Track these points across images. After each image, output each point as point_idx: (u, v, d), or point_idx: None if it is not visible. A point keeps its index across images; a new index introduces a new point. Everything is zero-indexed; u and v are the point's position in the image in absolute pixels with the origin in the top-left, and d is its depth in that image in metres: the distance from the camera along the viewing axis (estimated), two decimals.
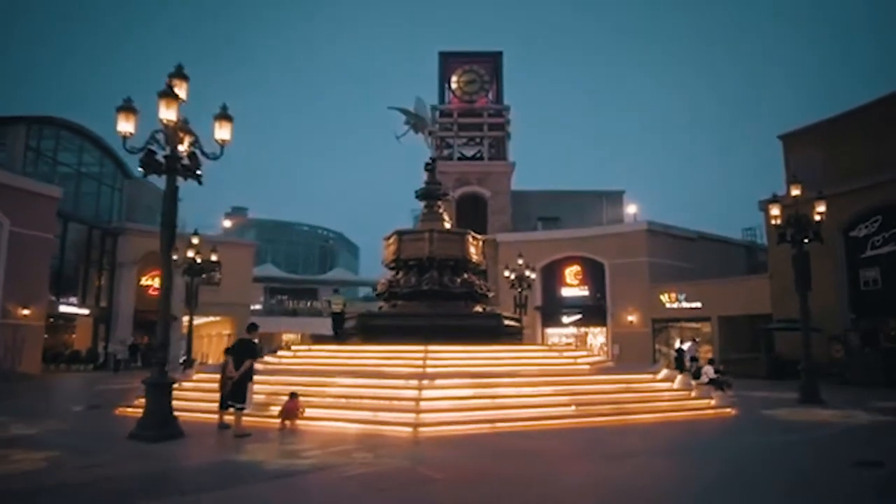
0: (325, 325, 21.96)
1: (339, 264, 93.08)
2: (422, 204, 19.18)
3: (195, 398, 12.41)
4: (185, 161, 9.91)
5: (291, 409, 10.49)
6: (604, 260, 34.49)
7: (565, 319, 35.60)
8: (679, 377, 15.80)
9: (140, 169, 9.64)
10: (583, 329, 35.88)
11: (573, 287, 35.77)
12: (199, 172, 10.03)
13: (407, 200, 19.28)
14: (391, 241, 18.16)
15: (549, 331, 35.87)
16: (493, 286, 34.75)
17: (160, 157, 9.84)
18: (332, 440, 9.35)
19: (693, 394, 13.50)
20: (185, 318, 33.40)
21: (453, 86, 42.32)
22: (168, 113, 9.53)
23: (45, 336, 30.42)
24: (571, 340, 35.23)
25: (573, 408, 11.35)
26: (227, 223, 44.97)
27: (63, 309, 32.39)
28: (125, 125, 9.76)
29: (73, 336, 34.47)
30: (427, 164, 19.31)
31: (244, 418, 10.14)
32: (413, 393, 10.88)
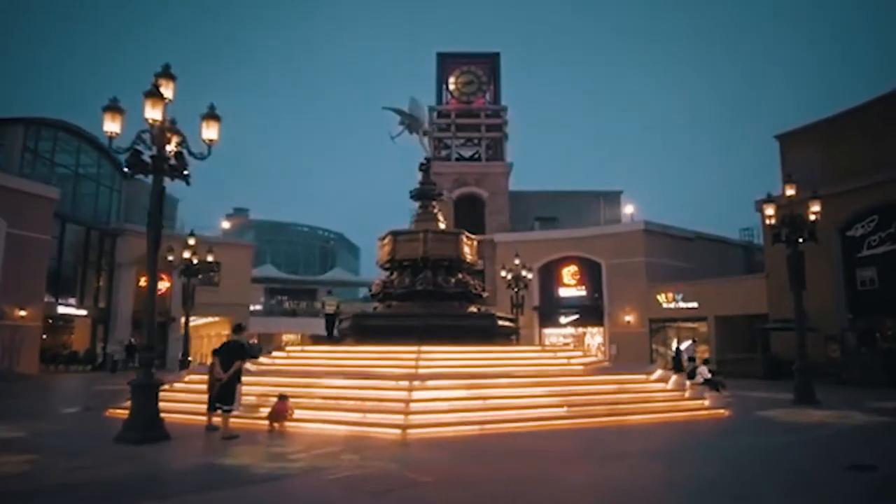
0: (323, 326, 21.97)
1: (340, 265, 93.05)
2: (417, 204, 19.11)
3: (186, 399, 12.36)
4: (172, 161, 9.84)
5: (280, 411, 10.44)
6: (601, 260, 34.42)
7: (563, 320, 35.51)
8: (674, 378, 15.74)
9: (125, 169, 9.57)
10: (580, 329, 35.79)
11: (571, 287, 35.68)
12: (186, 172, 9.96)
13: (407, 201, 19.23)
14: (385, 241, 18.11)
15: (547, 331, 35.80)
16: (491, 286, 34.85)
17: (147, 157, 9.79)
18: (319, 442, 9.29)
19: (687, 394, 13.44)
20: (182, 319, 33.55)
21: (451, 87, 42.26)
22: (154, 112, 9.47)
23: (44, 337, 30.43)
24: (569, 341, 35.17)
25: (565, 409, 11.29)
26: (226, 224, 44.95)
27: (61, 310, 32.36)
28: (111, 125, 9.72)
29: (72, 337, 34.44)
30: (421, 165, 19.27)
31: (232, 420, 10.10)
32: (403, 394, 10.81)
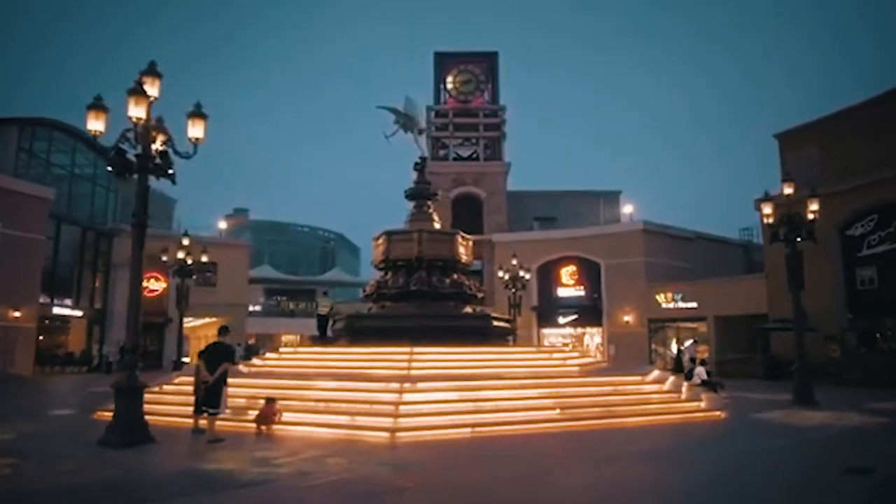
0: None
1: (340, 265, 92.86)
2: (412, 204, 18.94)
3: (174, 402, 12.21)
4: (157, 160, 9.67)
5: (267, 415, 10.26)
6: (600, 260, 34.22)
7: (561, 320, 35.32)
8: (671, 379, 15.56)
9: (108, 169, 9.41)
10: (579, 330, 35.59)
11: (569, 287, 35.48)
12: (171, 171, 9.79)
13: (406, 201, 19.01)
14: (380, 241, 17.96)
15: (546, 331, 35.61)
16: (489, 287, 34.73)
17: (132, 156, 9.63)
18: (306, 446, 9.12)
19: (683, 396, 13.27)
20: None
21: (449, 86, 42.08)
22: (137, 111, 9.31)
23: (41, 338, 30.30)
24: (568, 341, 35.00)
25: (558, 411, 11.10)
26: (224, 224, 44.78)
27: (57, 311, 32.22)
28: (95, 123, 9.55)
29: (68, 338, 34.29)
30: (416, 164, 19.10)
31: (219, 423, 9.94)
32: (393, 396, 10.65)
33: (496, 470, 7.79)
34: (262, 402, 10.66)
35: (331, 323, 17.86)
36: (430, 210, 18.58)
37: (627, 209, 39.19)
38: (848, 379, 21.25)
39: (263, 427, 10.22)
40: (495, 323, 16.63)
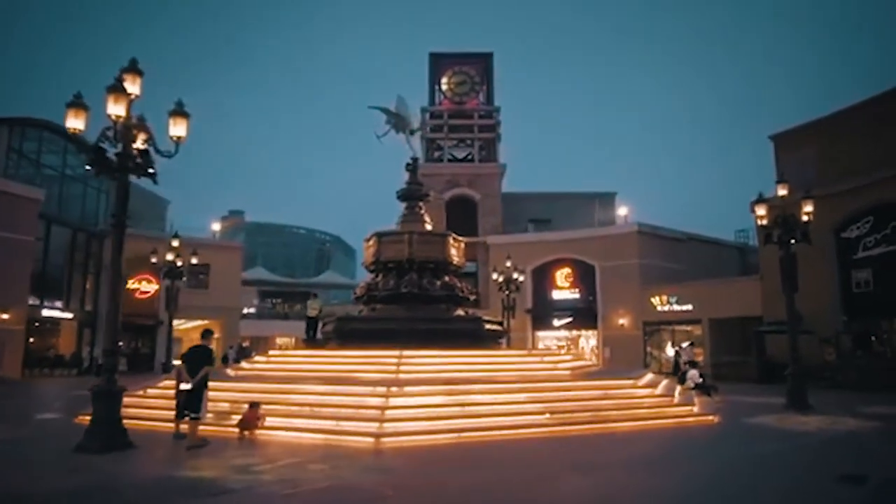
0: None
1: (336, 267, 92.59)
2: (403, 205, 18.73)
3: (158, 406, 12.00)
4: (138, 159, 9.46)
5: (250, 419, 10.04)
6: (594, 262, 34.05)
7: (556, 322, 35.13)
8: (664, 382, 15.39)
9: (87, 168, 9.20)
10: (574, 332, 35.41)
11: (564, 289, 35.31)
12: (152, 171, 9.58)
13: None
14: (371, 242, 17.75)
15: (541, 334, 35.43)
16: (484, 289, 34.56)
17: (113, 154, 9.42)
18: (288, 452, 8.91)
19: (675, 400, 13.08)
20: (174, 322, 33.14)
21: (444, 87, 41.93)
22: (117, 108, 9.09)
23: (30, 340, 29.99)
24: (563, 343, 34.80)
25: (547, 416, 10.91)
26: (217, 226, 44.47)
27: (47, 313, 31.87)
28: (75, 122, 9.35)
29: (58, 340, 33.94)
30: (408, 165, 18.90)
31: (203, 428, 9.72)
32: (379, 401, 10.44)
33: (480, 477, 7.60)
34: (246, 406, 10.46)
35: (321, 325, 17.66)
36: (422, 211, 18.36)
37: (622, 211, 39.05)
38: (843, 382, 21.10)
39: (246, 432, 10.00)
40: (487, 326, 16.42)
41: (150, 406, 12.25)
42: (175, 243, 22.19)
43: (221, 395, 11.42)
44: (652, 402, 12.55)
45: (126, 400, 12.37)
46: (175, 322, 33.42)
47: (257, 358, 16.73)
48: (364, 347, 14.48)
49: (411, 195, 18.55)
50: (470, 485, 7.20)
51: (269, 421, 10.28)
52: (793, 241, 15.33)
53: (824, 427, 11.82)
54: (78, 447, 8.77)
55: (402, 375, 12.12)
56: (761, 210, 15.76)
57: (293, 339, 40.01)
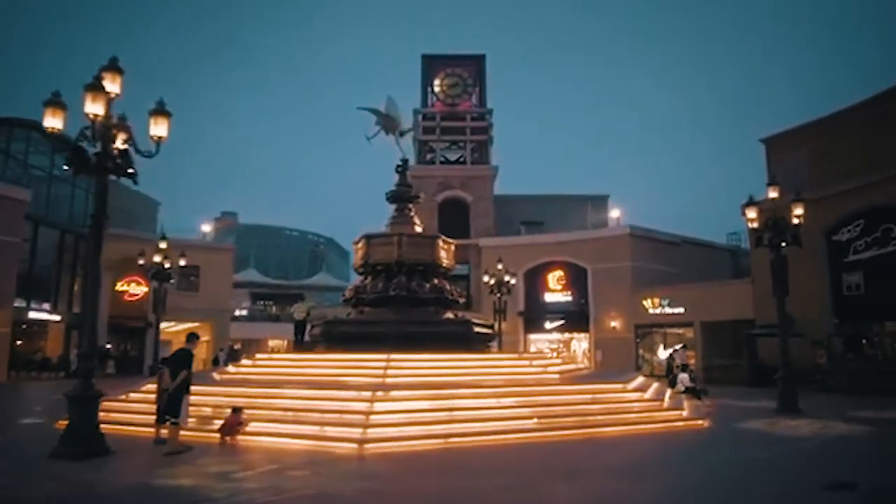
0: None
1: (329, 269, 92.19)
2: (393, 207, 18.59)
3: (141, 410, 11.78)
4: (118, 159, 9.28)
5: (232, 424, 9.86)
6: (587, 265, 33.95)
7: (548, 325, 35.00)
8: (654, 385, 15.29)
9: (65, 167, 9.01)
10: (566, 335, 35.29)
11: (556, 292, 35.18)
12: (131, 171, 9.39)
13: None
14: (360, 244, 17.60)
15: (533, 337, 35.30)
16: (476, 292, 34.43)
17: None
18: (269, 458, 8.74)
19: (665, 404, 12.96)
20: (163, 325, 32.87)
21: (436, 89, 41.79)
22: (94, 107, 8.90)
23: (17, 343, 29.62)
24: (555, 346, 34.69)
25: (535, 421, 10.77)
26: (208, 227, 44.16)
27: (34, 315, 31.49)
28: (52, 121, 9.15)
29: (46, 343, 33.56)
30: (398, 166, 18.77)
31: (184, 433, 9.52)
32: (364, 406, 10.28)
33: (463, 484, 7.44)
34: (229, 411, 10.28)
35: (309, 328, 17.48)
36: (412, 213, 18.23)
37: (615, 213, 39.01)
38: (834, 385, 21.04)
39: (228, 438, 9.82)
40: (476, 329, 16.29)
41: (132, 411, 12.04)
42: (162, 245, 21.95)
43: (204, 399, 11.25)
44: (641, 407, 12.43)
45: (108, 404, 12.29)
46: (164, 324, 33.18)
47: (244, 362, 16.55)
48: (352, 351, 14.36)
49: (401, 197, 18.42)
50: (452, 492, 7.05)
51: (252, 426, 10.10)
52: (783, 244, 15.26)
53: (815, 432, 11.72)
54: (53, 453, 8.57)
55: (388, 380, 11.96)
56: (752, 213, 15.70)
57: (285, 342, 39.73)
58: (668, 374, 23.00)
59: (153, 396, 12.17)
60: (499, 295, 27.07)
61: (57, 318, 32.88)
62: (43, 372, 30.70)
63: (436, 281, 17.10)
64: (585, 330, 34.16)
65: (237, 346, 40.29)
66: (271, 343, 44.19)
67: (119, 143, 9.34)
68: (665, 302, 31.51)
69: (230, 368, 15.68)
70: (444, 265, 17.48)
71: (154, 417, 10.31)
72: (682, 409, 12.96)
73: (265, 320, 50.88)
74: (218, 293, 37.97)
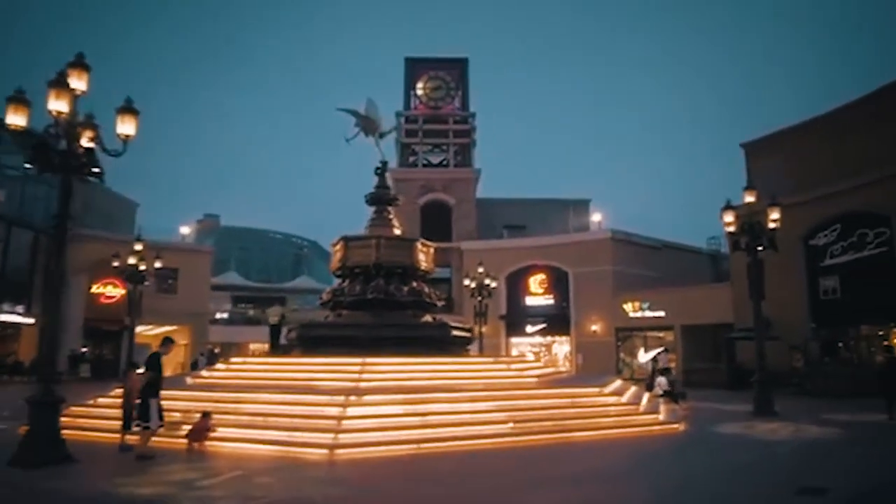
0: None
1: (313, 273, 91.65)
2: (372, 209, 18.42)
3: (108, 415, 11.47)
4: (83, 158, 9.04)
5: (200, 430, 9.63)
6: (568, 268, 33.99)
7: (530, 329, 34.97)
8: (632, 389, 15.27)
9: (26, 165, 8.76)
10: (548, 338, 35.28)
11: (538, 296, 35.17)
12: (96, 170, 9.16)
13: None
14: (338, 247, 17.41)
15: (514, 340, 35.23)
16: (458, 295, 34.29)
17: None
18: (237, 464, 8.55)
19: (641, 408, 12.92)
20: (141, 328, 32.33)
21: (419, 92, 41.72)
22: (58, 104, 8.66)
23: None
24: (537, 350, 34.66)
25: (510, 425, 10.66)
26: (187, 230, 43.60)
27: (6, 317, 30.87)
28: (15, 118, 8.89)
29: (19, 346, 32.87)
30: (377, 168, 18.62)
31: (152, 438, 9.28)
32: (336, 410, 10.10)
33: (431, 491, 7.33)
34: (199, 416, 10.06)
35: (286, 332, 17.25)
36: (390, 216, 18.08)
37: (596, 217, 39.15)
38: (811, 389, 21.19)
39: (196, 443, 9.59)
40: (454, 332, 16.15)
41: (99, 416, 11.74)
42: (137, 247, 21.57)
43: (175, 404, 10.98)
44: (618, 411, 12.37)
45: (75, 409, 12.04)
46: (142, 328, 32.68)
47: (218, 366, 16.27)
48: (329, 355, 14.18)
49: (380, 199, 18.27)
50: (422, 500, 6.92)
51: (221, 432, 9.89)
52: (759, 248, 15.33)
53: (789, 435, 11.74)
54: (12, 461, 8.29)
55: (363, 384, 11.79)
56: (728, 217, 15.76)
57: (267, 346, 39.31)
58: (651, 378, 23.01)
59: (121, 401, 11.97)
60: (480, 298, 26.96)
61: (31, 320, 32.22)
62: (15, 375, 30.05)
63: (414, 284, 16.95)
64: (567, 333, 34.18)
65: (217, 350, 39.74)
66: (252, 346, 43.71)
67: (85, 142, 9.12)
68: (645, 305, 31.63)
69: (203, 372, 15.40)
70: (423, 268, 17.34)
71: (120, 423, 10.07)
72: (659, 413, 12.92)
73: (245, 324, 50.35)
74: (197, 296, 37.45)
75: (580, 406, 12.23)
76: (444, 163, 41.68)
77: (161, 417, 9.37)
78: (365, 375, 12.31)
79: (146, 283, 22.74)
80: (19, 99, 9.01)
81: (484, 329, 27.95)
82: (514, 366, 15.26)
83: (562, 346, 34.88)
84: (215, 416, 10.07)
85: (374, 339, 14.67)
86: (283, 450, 9.21)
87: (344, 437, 9.36)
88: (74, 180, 9.42)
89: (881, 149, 22.69)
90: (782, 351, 23.50)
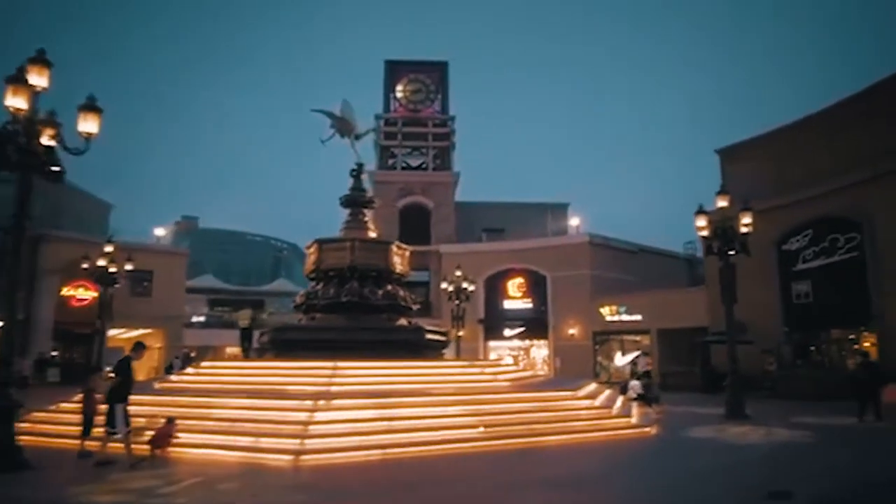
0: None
1: (294, 276, 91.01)
2: (346, 211, 18.27)
3: (70, 421, 11.18)
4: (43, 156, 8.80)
5: (163, 436, 9.40)
6: (546, 272, 34.07)
7: (508, 332, 34.97)
8: (606, 393, 15.29)
9: None
10: (526, 342, 35.31)
11: (516, 299, 35.20)
12: (56, 168, 8.93)
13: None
14: (312, 249, 17.25)
15: (493, 343, 35.19)
16: (436, 298, 34.16)
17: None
18: (200, 471, 8.35)
19: (613, 412, 12.92)
20: (115, 331, 31.75)
21: (399, 94, 41.61)
22: (15, 101, 8.43)
23: None
24: (515, 353, 34.65)
25: (481, 430, 10.58)
26: (162, 231, 42.93)
27: None
28: None
29: None
30: (352, 170, 18.49)
31: (111, 445, 9.04)
32: (304, 415, 9.93)
33: (398, 497, 7.21)
34: (163, 421, 9.82)
35: (257, 335, 17.01)
36: (366, 218, 17.96)
37: (575, 221, 39.33)
38: (784, 392, 21.39)
39: (158, 450, 9.35)
40: (429, 336, 16.05)
41: (61, 422, 11.42)
42: (108, 248, 21.17)
43: (140, 409, 10.71)
44: (590, 415, 12.35)
45: (37, 415, 11.74)
46: (116, 331, 32.12)
47: (188, 370, 15.98)
48: (301, 358, 14.00)
49: (355, 201, 18.15)
50: None
51: (186, 438, 9.64)
52: (732, 252, 15.45)
53: (758, 439, 11.79)
54: None
55: (334, 388, 11.65)
56: (701, 221, 15.86)
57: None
58: (629, 381, 23.08)
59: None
60: (457, 302, 26.88)
61: None
62: None
63: (389, 287, 16.84)
64: (545, 337, 34.24)
65: (193, 354, 39.20)
66: (228, 350, 43.19)
67: (45, 140, 8.88)
68: (623, 309, 31.80)
69: (172, 377, 15.13)
70: (399, 271, 17.23)
71: (80, 429, 9.82)
72: (631, 416, 12.93)
73: (222, 327, 49.72)
74: (171, 299, 36.86)
75: (552, 410, 12.18)
76: (424, 166, 41.60)
77: (128, 423, 9.15)
78: (336, 380, 12.17)
79: (117, 285, 22.32)
80: None
81: (462, 333, 27.91)
82: (488, 369, 15.18)
83: (540, 350, 34.92)
84: (182, 421, 9.84)
85: (348, 343, 14.53)
86: (249, 456, 9.03)
87: (311, 443, 9.20)
88: (44, 181, 9.20)
89: (852, 155, 23.05)
90: (756, 355, 23.75)
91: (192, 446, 9.47)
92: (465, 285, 26.90)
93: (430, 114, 41.74)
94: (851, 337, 23.70)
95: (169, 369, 28.97)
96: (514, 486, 7.80)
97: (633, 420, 12.66)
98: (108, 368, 23.59)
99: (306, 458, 8.82)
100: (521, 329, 34.76)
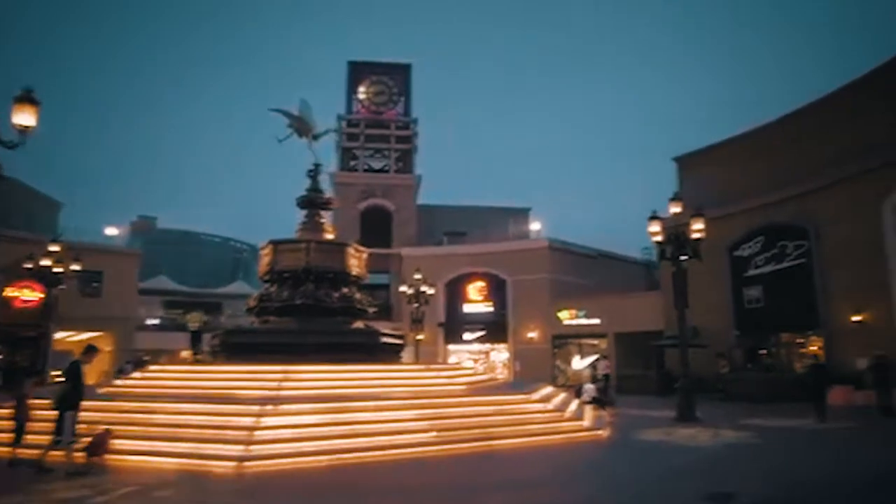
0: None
1: (253, 278, 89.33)
2: (303, 212, 17.98)
3: (5, 427, 10.67)
4: None
5: (98, 443, 9.03)
6: (506, 276, 34.19)
7: (468, 336, 34.96)
8: (561, 396, 15.35)
9: None
10: (486, 345, 35.34)
11: (477, 303, 35.21)
12: None
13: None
14: (266, 251, 16.91)
15: (452, 347, 35.11)
16: (396, 301, 33.96)
17: None
18: (136, 479, 8.05)
19: (566, 415, 12.97)
20: (63, 334, 30.63)
21: (361, 96, 41.29)
22: None
23: None
24: (476, 357, 34.63)
25: (433, 434, 10.47)
26: (115, 231, 41.58)
27: None
28: None
29: None
30: (309, 171, 18.22)
31: (53, 452, 8.64)
32: (250, 420, 9.68)
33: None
34: (103, 428, 9.44)
35: (209, 338, 16.58)
36: (322, 219, 17.70)
37: (535, 226, 39.61)
38: (735, 394, 21.86)
39: (94, 458, 8.98)
40: (384, 339, 15.88)
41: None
42: (53, 248, 20.38)
43: (82, 415, 10.30)
44: (543, 418, 12.36)
45: None
46: (64, 333, 30.97)
47: (133, 374, 15.49)
48: (253, 362, 13.66)
49: (312, 202, 17.89)
50: None
51: (126, 444, 9.31)
52: (684, 257, 15.72)
53: (706, 441, 11.95)
54: None
55: (284, 392, 11.39)
56: (654, 227, 16.10)
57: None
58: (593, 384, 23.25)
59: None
60: (417, 305, 26.75)
61: None
62: None
63: (345, 290, 16.62)
64: (505, 341, 34.32)
65: (146, 357, 38.02)
66: (184, 353, 42.08)
67: None
68: (581, 313, 32.10)
69: (117, 381, 14.61)
70: (355, 273, 17.02)
71: (12, 436, 9.39)
72: (584, 419, 13.00)
73: (177, 330, 48.49)
74: (122, 300, 35.66)
75: (506, 413, 12.16)
76: (385, 168, 41.37)
77: (74, 432, 8.76)
78: (286, 384, 11.91)
79: (62, 286, 21.52)
80: None
81: (421, 336, 27.77)
82: (444, 373, 15.09)
83: (500, 354, 34.97)
84: (124, 427, 9.52)
85: (300, 346, 14.23)
86: (191, 462, 8.74)
87: (257, 449, 8.96)
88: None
89: (801, 165, 23.78)
90: (709, 358, 24.26)
91: (132, 453, 9.14)
92: (424, 288, 26.79)
93: (392, 116, 41.54)
94: (800, 340, 24.40)
95: (119, 373, 28.08)
96: (467, 489, 7.76)
97: (586, 423, 12.72)
98: (55, 373, 22.87)
99: (251, 465, 8.59)
100: (482, 332, 34.78)
